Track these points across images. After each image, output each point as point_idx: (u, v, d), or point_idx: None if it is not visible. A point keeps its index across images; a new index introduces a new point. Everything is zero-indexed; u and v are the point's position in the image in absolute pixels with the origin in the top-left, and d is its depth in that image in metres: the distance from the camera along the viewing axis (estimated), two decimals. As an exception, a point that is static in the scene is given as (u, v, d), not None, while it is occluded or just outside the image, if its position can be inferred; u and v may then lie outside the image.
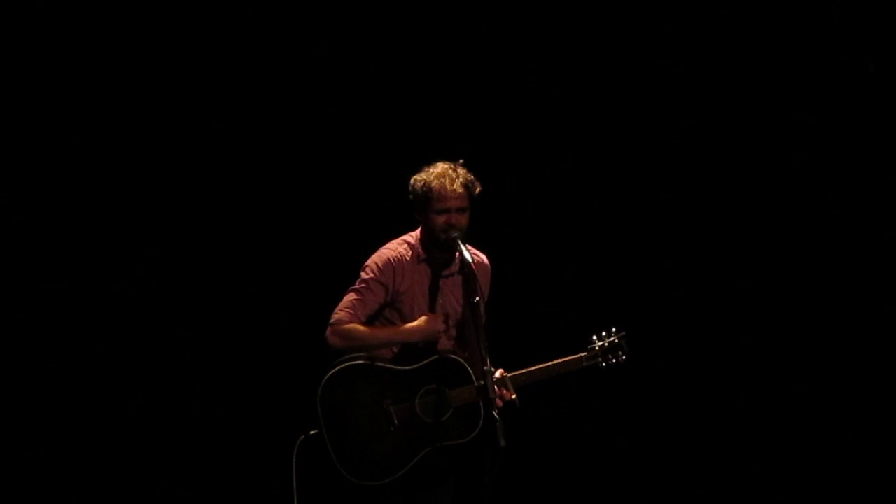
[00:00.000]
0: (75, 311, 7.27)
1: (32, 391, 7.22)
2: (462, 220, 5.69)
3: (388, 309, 5.78)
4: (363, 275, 5.77)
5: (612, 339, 5.87)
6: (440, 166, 5.74)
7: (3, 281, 7.21)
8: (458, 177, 5.70)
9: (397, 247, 5.82)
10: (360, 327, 5.71)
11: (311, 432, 5.64)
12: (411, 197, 5.76)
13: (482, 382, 5.53)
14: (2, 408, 7.21)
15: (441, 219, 5.68)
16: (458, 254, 5.68)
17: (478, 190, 5.74)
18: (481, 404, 5.60)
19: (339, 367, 5.65)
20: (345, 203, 7.42)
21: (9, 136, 7.22)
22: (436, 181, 5.69)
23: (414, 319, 5.75)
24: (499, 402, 5.55)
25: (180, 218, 7.36)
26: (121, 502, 7.27)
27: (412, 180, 5.76)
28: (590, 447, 7.68)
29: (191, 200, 7.37)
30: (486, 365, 5.48)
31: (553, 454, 7.64)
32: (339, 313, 5.71)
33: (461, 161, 5.78)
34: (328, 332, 5.71)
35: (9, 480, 7.20)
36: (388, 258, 5.77)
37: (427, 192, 5.70)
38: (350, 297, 5.74)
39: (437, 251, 5.77)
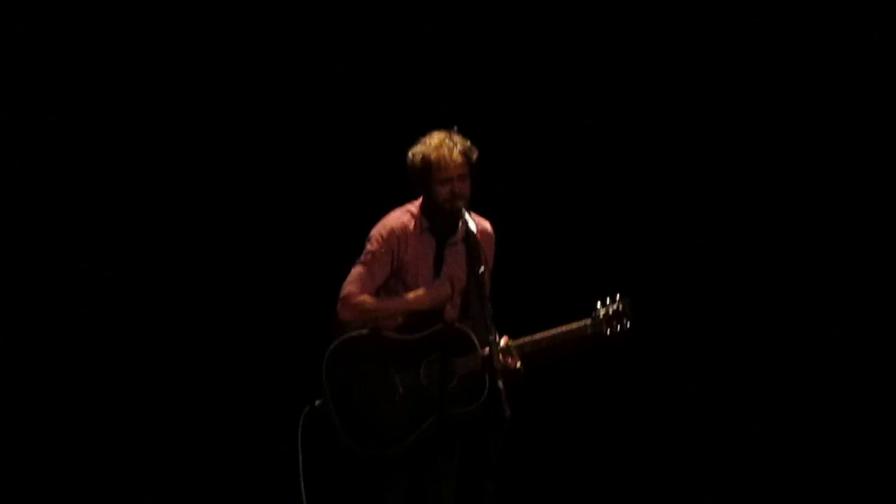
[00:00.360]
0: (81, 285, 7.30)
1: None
2: (465, 187, 5.66)
3: (392, 279, 5.76)
4: (368, 246, 5.75)
5: (615, 305, 5.81)
6: (436, 136, 5.70)
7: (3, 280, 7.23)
8: (455, 145, 5.66)
9: (400, 216, 5.80)
10: (371, 299, 5.70)
11: (316, 403, 5.63)
12: (410, 170, 5.73)
13: (487, 351, 5.52)
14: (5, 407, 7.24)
15: (444, 189, 5.66)
16: (462, 223, 5.66)
17: (475, 155, 5.72)
18: (485, 375, 5.58)
19: (343, 337, 5.64)
20: (346, 172, 7.40)
21: (8, 137, 7.21)
22: (434, 153, 5.65)
23: (418, 289, 5.74)
24: (511, 362, 5.56)
25: (185, 185, 7.35)
26: (124, 474, 7.29)
27: (410, 154, 5.72)
28: (595, 418, 7.68)
29: (193, 170, 7.36)
30: (492, 334, 5.48)
31: (558, 425, 7.64)
32: (349, 287, 5.69)
33: (455, 128, 5.74)
34: (339, 306, 5.69)
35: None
36: (392, 227, 5.75)
37: (427, 165, 5.66)
38: (357, 270, 5.72)
39: (440, 221, 5.75)
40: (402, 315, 5.72)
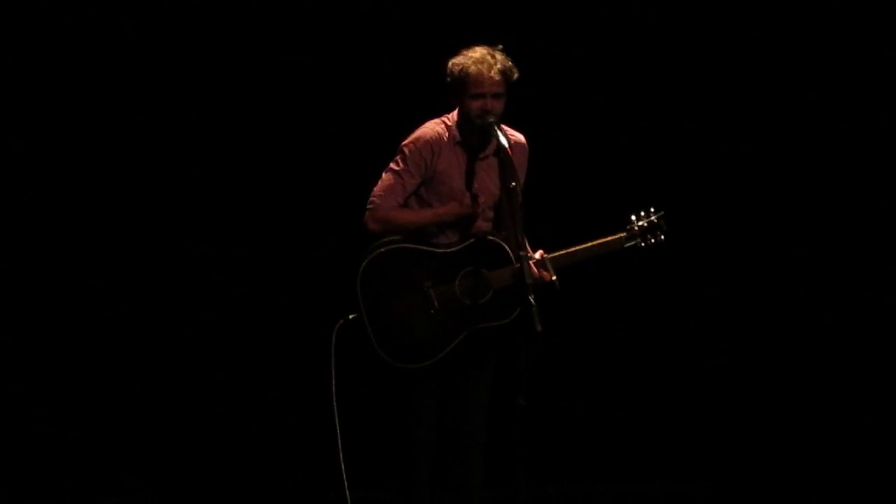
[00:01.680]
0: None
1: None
2: (497, 105, 5.61)
3: (424, 188, 5.73)
4: (399, 155, 5.72)
5: (651, 218, 5.80)
6: (478, 51, 5.63)
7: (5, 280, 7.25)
8: (496, 63, 5.59)
9: (434, 126, 5.75)
10: (398, 212, 5.67)
11: (351, 316, 5.61)
12: (448, 80, 5.67)
13: (520, 265, 5.47)
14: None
15: (476, 104, 5.60)
16: (493, 138, 5.60)
17: (515, 76, 5.65)
18: (519, 288, 5.52)
19: (378, 251, 5.61)
20: (383, 83, 7.36)
21: (8, 136, 7.20)
22: (473, 66, 5.58)
23: (450, 200, 5.70)
24: (546, 276, 5.54)
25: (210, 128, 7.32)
26: (151, 389, 7.33)
27: (450, 63, 5.66)
28: (628, 331, 7.69)
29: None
30: (523, 249, 5.44)
31: (591, 340, 7.65)
32: (378, 197, 5.67)
33: (500, 47, 5.67)
34: (367, 216, 5.67)
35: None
36: (425, 137, 5.71)
37: (464, 77, 5.60)
38: (388, 178, 5.69)
39: (471, 134, 5.70)
40: (430, 226, 5.68)
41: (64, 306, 7.30)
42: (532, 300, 5.30)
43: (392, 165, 5.71)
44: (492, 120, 5.57)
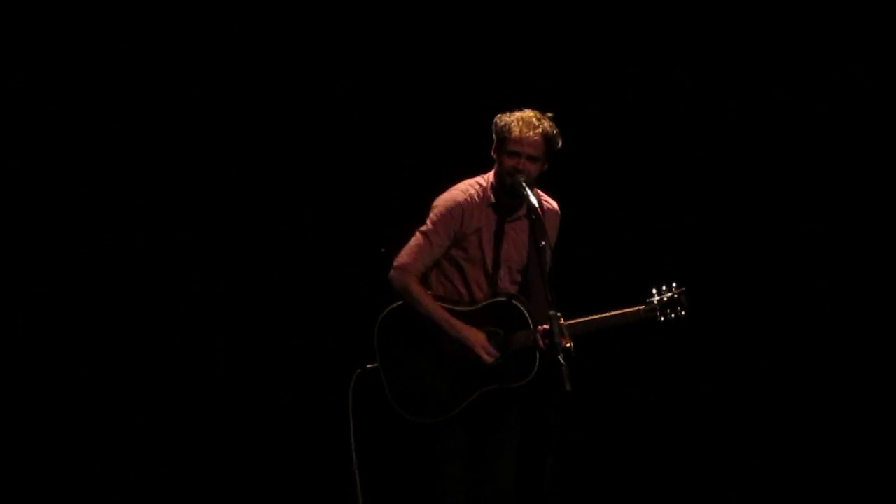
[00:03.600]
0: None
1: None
2: (532, 168, 5.66)
3: (454, 248, 5.76)
4: (432, 216, 5.74)
5: (671, 293, 5.80)
6: (528, 112, 5.71)
7: (8, 282, 7.24)
8: (539, 126, 5.67)
9: (468, 188, 5.78)
10: (420, 293, 5.67)
11: (369, 366, 5.67)
12: (493, 133, 5.74)
13: (540, 327, 5.53)
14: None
15: (511, 161, 5.66)
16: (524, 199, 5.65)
17: (558, 146, 5.72)
18: (536, 352, 5.59)
19: (397, 305, 5.68)
20: (421, 134, 7.48)
21: (9, 137, 7.21)
22: (516, 123, 5.66)
23: (478, 261, 5.74)
24: (563, 343, 5.52)
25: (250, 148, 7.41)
26: (172, 433, 7.38)
27: (497, 117, 5.73)
28: (653, 396, 7.69)
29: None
30: (552, 310, 5.46)
31: (617, 402, 7.67)
32: (405, 258, 5.70)
33: (550, 115, 5.75)
34: (392, 274, 5.69)
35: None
36: (458, 201, 5.75)
37: (506, 132, 5.67)
38: (417, 240, 5.72)
39: (503, 195, 5.73)
40: (437, 328, 5.68)
41: (92, 343, 7.32)
42: (562, 359, 5.36)
43: (423, 227, 5.75)
44: (521, 179, 5.63)
